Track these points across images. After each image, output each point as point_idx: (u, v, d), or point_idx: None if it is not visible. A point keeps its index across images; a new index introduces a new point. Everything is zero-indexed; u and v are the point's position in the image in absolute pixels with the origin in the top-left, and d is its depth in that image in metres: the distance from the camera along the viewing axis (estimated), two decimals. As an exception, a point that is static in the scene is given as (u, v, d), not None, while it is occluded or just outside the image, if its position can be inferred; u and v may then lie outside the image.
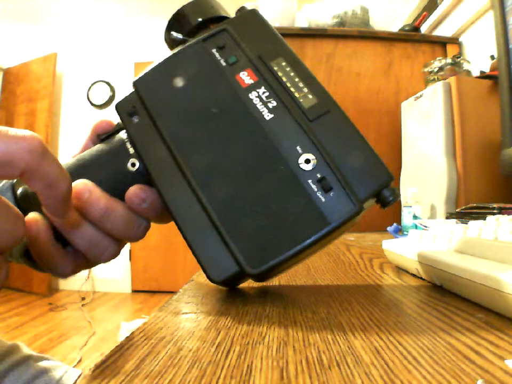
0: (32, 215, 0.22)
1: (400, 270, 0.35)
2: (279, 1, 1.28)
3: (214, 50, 0.25)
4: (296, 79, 0.23)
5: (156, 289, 2.95)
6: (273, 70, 0.24)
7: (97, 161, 0.24)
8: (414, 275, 0.32)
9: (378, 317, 0.21)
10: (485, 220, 0.34)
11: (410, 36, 1.29)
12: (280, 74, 0.23)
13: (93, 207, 0.22)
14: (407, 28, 1.40)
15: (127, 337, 0.19)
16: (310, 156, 0.21)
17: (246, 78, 0.24)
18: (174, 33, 0.27)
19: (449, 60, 0.96)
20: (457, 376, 0.13)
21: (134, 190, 0.23)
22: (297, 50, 1.13)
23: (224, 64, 0.24)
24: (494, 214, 0.54)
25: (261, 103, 0.23)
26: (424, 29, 1.45)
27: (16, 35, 3.23)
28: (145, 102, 0.24)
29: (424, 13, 1.46)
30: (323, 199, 0.21)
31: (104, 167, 0.24)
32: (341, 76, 1.21)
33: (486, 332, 0.18)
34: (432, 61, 1.00)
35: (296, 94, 0.23)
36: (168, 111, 0.24)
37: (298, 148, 0.22)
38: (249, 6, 0.27)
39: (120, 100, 0.25)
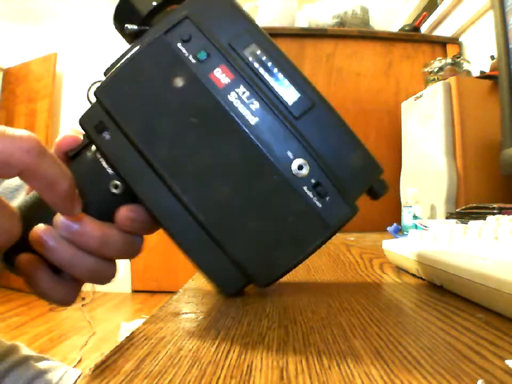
0: (24, 257, 0.21)
1: (400, 270, 0.35)
2: (279, 1, 1.28)
3: (179, 45, 0.21)
4: (275, 70, 0.21)
5: (156, 289, 2.94)
6: (248, 61, 0.21)
7: (77, 187, 0.22)
8: (414, 275, 0.32)
9: (378, 317, 0.21)
10: (485, 220, 0.34)
11: (410, 35, 1.29)
12: (256, 65, 0.21)
13: (89, 238, 0.21)
14: (407, 28, 1.40)
15: (127, 337, 0.19)
16: (303, 161, 0.21)
17: (221, 76, 0.21)
18: (128, 26, 0.23)
19: (449, 60, 0.96)
20: (457, 376, 0.13)
21: (123, 213, 0.22)
22: (297, 50, 1.11)
23: (194, 61, 0.21)
24: (494, 214, 0.54)
25: (242, 106, 0.21)
26: (424, 29, 1.45)
27: (16, 35, 3.23)
28: (113, 115, 0.21)
29: (424, 13, 1.46)
30: (320, 205, 0.21)
31: (86, 193, 0.22)
32: (341, 76, 1.21)
33: (486, 331, 0.18)
34: (432, 61, 1.00)
35: (277, 88, 0.21)
36: (141, 124, 0.21)
37: (289, 153, 0.21)
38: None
39: (83, 113, 0.22)
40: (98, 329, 2.07)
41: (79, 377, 0.43)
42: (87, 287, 2.93)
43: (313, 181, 0.21)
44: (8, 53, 3.25)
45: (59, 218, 0.21)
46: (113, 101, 0.21)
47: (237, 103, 0.21)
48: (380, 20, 1.73)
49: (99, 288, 2.99)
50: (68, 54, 3.21)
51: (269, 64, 0.21)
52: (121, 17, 0.24)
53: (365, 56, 1.23)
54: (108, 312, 2.48)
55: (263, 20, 1.25)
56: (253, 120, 0.21)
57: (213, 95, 0.21)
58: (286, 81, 0.21)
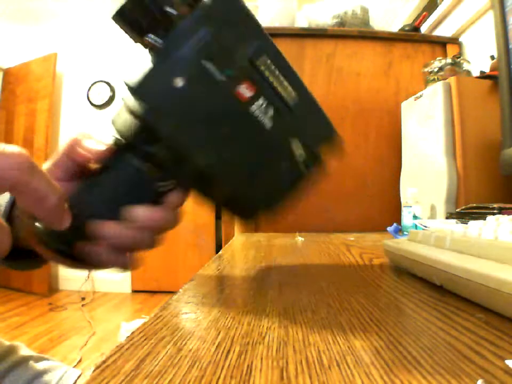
0: (87, 247, 0.24)
1: (400, 270, 0.35)
2: (279, 1, 1.28)
3: (206, 63, 0.23)
4: (281, 78, 0.26)
5: (156, 289, 2.94)
6: (263, 73, 0.25)
7: (129, 193, 0.26)
8: (414, 275, 0.32)
9: (378, 317, 0.21)
10: (485, 220, 0.34)
11: (410, 35, 1.29)
12: (267, 74, 0.25)
13: (159, 223, 0.26)
14: (407, 28, 1.40)
15: (127, 337, 0.19)
16: (298, 144, 0.28)
17: (245, 91, 0.25)
18: (150, 37, 0.24)
19: (449, 60, 0.96)
20: (457, 376, 0.13)
21: (173, 200, 0.27)
22: (297, 50, 1.11)
23: (220, 77, 0.24)
24: (494, 214, 0.54)
25: (261, 114, 0.25)
26: (424, 29, 1.45)
27: (16, 35, 3.23)
28: (160, 133, 0.24)
29: (424, 13, 1.45)
30: (306, 171, 0.30)
31: (135, 196, 0.26)
32: (341, 76, 1.21)
33: (486, 331, 0.18)
34: (432, 61, 1.00)
35: (282, 93, 0.26)
36: (183, 136, 0.24)
37: (289, 139, 0.28)
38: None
39: (132, 134, 0.25)
40: (98, 329, 2.07)
41: (78, 377, 0.43)
42: (87, 287, 2.93)
43: (304, 155, 0.29)
44: (8, 53, 3.25)
45: (139, 212, 0.25)
46: (157, 119, 0.24)
47: (257, 113, 0.25)
48: (380, 20, 1.73)
49: (99, 288, 2.99)
50: (68, 54, 3.21)
51: (276, 72, 0.26)
52: (133, 20, 0.25)
53: (365, 56, 1.23)
54: (108, 312, 2.48)
55: (263, 20, 1.25)
56: (268, 125, 0.26)
57: (238, 109, 0.25)
58: (290, 88, 0.27)
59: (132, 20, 0.24)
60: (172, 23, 0.24)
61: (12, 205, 0.30)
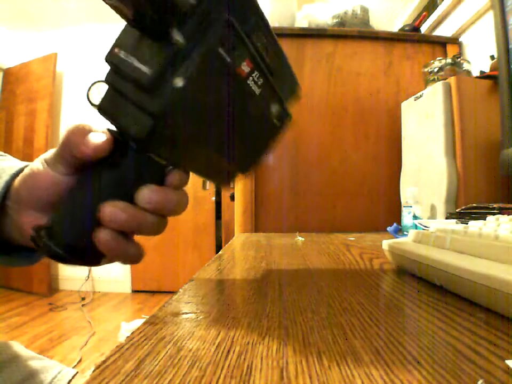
0: (103, 236, 0.24)
1: (400, 270, 0.35)
2: (279, 1, 1.28)
3: (221, 50, 0.24)
4: (270, 49, 0.28)
5: (156, 289, 2.95)
6: (258, 49, 0.27)
7: (138, 180, 0.27)
8: (414, 275, 0.32)
9: (378, 317, 0.21)
10: (485, 220, 0.34)
11: (410, 36, 1.29)
12: (261, 49, 0.27)
13: (169, 204, 0.27)
14: (407, 28, 1.40)
15: (127, 337, 0.19)
16: (278, 108, 0.31)
17: (245, 68, 0.26)
18: (177, 38, 0.23)
19: (449, 60, 0.96)
20: (457, 376, 0.13)
21: (177, 180, 0.28)
22: (297, 50, 1.11)
23: (228, 60, 0.24)
24: (494, 214, 0.54)
25: (253, 83, 0.27)
26: (424, 29, 1.45)
27: (16, 35, 3.23)
28: (168, 124, 0.24)
29: (424, 13, 1.45)
30: (278, 123, 0.32)
31: (147, 180, 0.27)
32: (341, 76, 1.21)
33: (486, 331, 0.18)
34: (432, 61, 1.00)
35: (269, 62, 0.28)
36: (194, 125, 0.25)
37: (270, 103, 0.30)
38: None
39: (134, 126, 0.24)
40: (98, 329, 2.07)
41: (73, 377, 0.42)
42: (87, 287, 2.93)
43: (279, 110, 0.31)
44: (8, 53, 3.25)
45: (147, 193, 0.26)
46: (174, 119, 0.24)
47: (251, 84, 0.27)
48: (380, 19, 1.73)
49: (99, 288, 2.99)
50: (68, 54, 3.21)
51: (267, 45, 0.28)
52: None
53: (365, 56, 1.23)
54: (108, 312, 2.48)
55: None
56: (257, 91, 0.28)
57: (239, 85, 0.26)
58: (274, 55, 0.29)
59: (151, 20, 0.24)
60: (184, 13, 0.23)
61: (4, 196, 0.28)
